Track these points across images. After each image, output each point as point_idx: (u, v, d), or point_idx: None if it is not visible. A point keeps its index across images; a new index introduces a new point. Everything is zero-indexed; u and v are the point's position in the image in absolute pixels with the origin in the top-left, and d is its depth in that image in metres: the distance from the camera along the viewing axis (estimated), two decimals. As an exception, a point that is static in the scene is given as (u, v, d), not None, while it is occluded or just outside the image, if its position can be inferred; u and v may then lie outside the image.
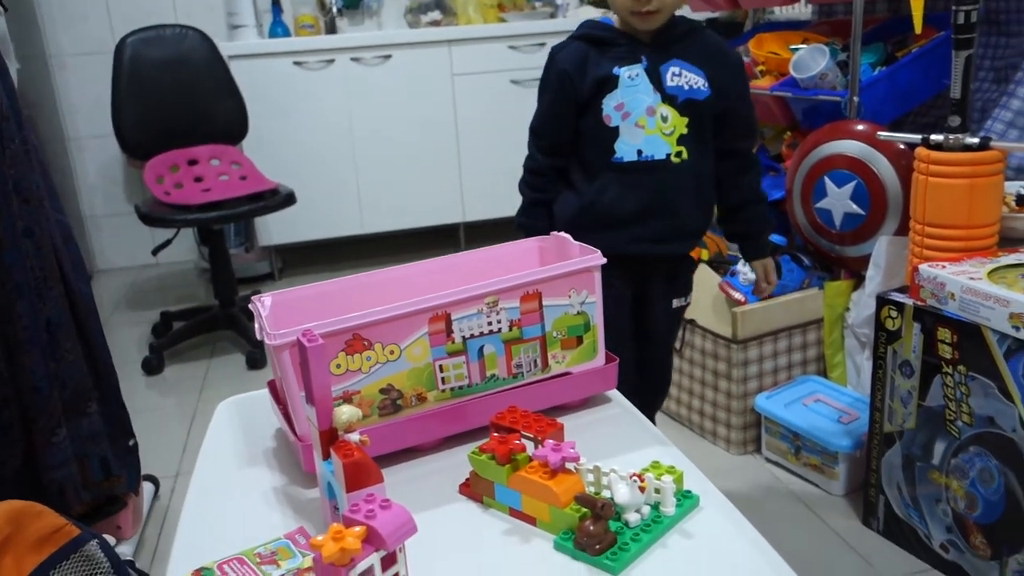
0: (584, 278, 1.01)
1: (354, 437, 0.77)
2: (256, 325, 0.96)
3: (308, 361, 0.76)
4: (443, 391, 0.96)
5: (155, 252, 3.07)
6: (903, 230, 1.79)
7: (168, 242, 3.03)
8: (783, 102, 2.24)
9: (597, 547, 0.75)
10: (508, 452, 0.83)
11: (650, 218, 1.44)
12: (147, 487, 1.95)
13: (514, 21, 3.66)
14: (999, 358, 1.38)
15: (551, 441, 0.83)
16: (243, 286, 3.36)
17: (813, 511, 1.81)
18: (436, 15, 3.72)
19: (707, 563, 0.76)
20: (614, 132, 1.40)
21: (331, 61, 3.40)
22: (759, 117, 1.87)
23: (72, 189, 3.75)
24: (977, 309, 1.39)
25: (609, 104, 1.40)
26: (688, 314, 2.03)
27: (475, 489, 0.87)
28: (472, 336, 0.96)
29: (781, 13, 2.79)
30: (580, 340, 1.03)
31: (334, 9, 3.70)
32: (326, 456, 0.79)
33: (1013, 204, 1.68)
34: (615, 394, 1.09)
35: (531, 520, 0.82)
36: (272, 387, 1.04)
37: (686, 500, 0.83)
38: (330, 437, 0.78)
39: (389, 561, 0.70)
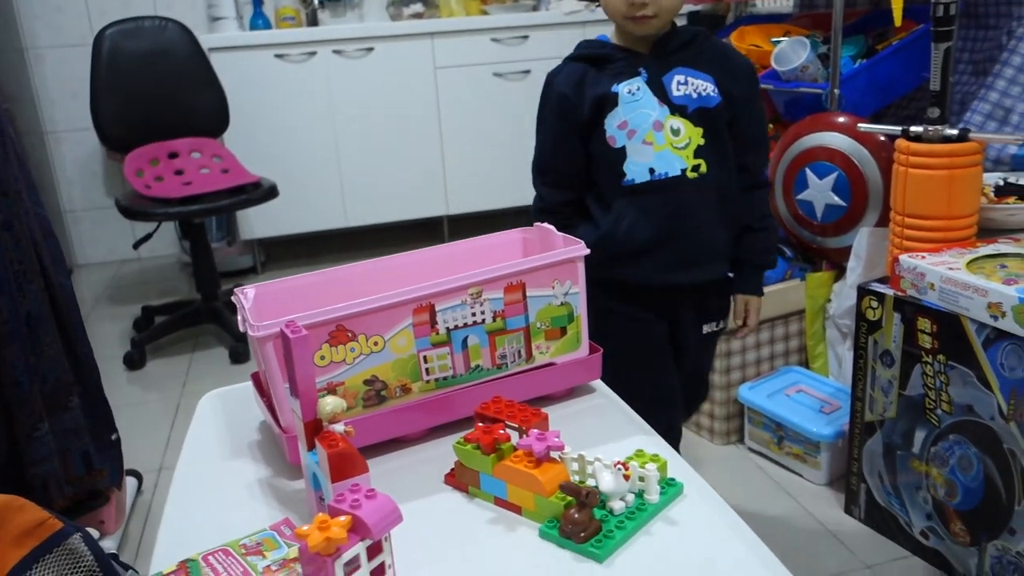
0: (567, 269, 1.01)
1: (339, 428, 0.77)
2: (239, 317, 0.95)
3: (292, 352, 0.76)
4: (427, 382, 0.96)
5: (136, 246, 3.05)
6: (884, 221, 1.81)
7: (149, 236, 3.01)
8: (765, 94, 2.25)
9: (582, 535, 0.76)
10: (493, 442, 0.83)
11: (672, 242, 1.33)
12: (130, 482, 1.94)
13: (497, 14, 3.65)
14: (978, 347, 1.39)
15: (536, 431, 0.83)
16: (225, 280, 3.35)
17: (795, 500, 1.83)
18: (418, 7, 3.71)
19: (691, 550, 0.77)
20: (621, 153, 1.31)
21: (313, 54, 3.39)
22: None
23: (50, 183, 3.71)
24: (956, 299, 1.40)
25: (612, 124, 1.31)
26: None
27: (460, 479, 0.87)
28: (456, 327, 0.96)
29: (763, 6, 2.81)
30: (564, 331, 1.03)
31: (315, 1, 3.68)
32: (311, 447, 0.79)
33: (992, 195, 1.70)
34: (599, 384, 1.09)
35: (516, 509, 0.82)
36: (256, 379, 1.04)
37: (670, 488, 0.83)
38: (315, 428, 0.78)
39: (375, 550, 0.71)
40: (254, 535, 0.80)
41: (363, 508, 0.68)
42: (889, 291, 1.56)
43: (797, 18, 2.44)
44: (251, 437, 1.02)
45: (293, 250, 3.88)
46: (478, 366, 0.98)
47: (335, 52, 3.40)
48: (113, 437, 1.69)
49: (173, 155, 2.96)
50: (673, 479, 0.85)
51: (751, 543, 0.78)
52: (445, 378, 0.97)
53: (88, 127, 2.99)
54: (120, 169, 3.02)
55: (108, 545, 1.70)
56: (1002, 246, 1.50)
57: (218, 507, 0.89)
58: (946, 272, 1.41)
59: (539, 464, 0.80)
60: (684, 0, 1.35)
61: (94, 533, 1.37)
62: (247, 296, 0.99)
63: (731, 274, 1.47)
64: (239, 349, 2.73)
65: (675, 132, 1.30)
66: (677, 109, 1.30)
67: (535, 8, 3.76)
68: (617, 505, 0.79)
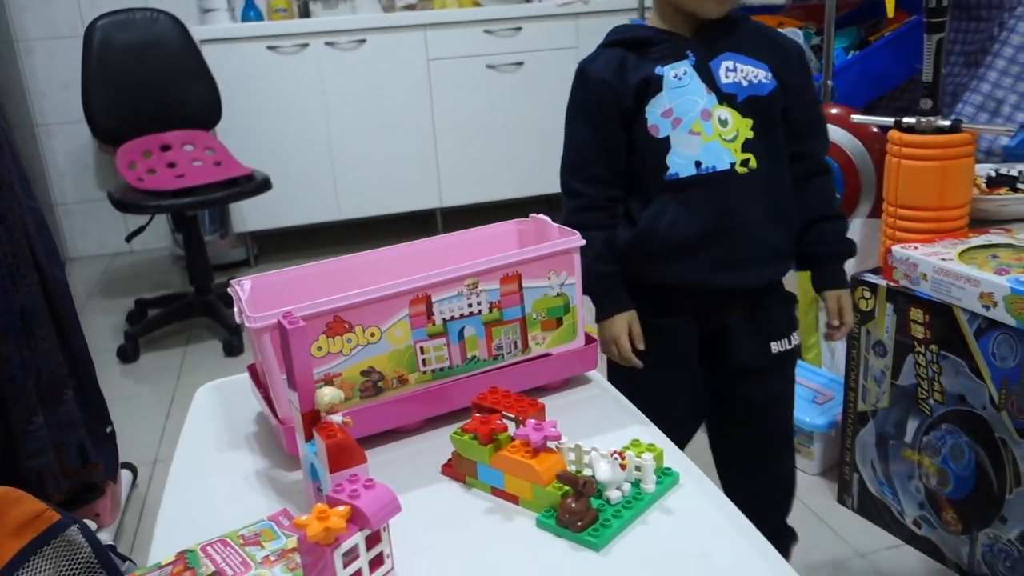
0: (563, 260, 1.01)
1: (336, 418, 0.77)
2: (235, 309, 0.95)
3: (289, 344, 0.76)
4: (424, 373, 0.96)
5: (129, 239, 3.04)
6: (877, 212, 1.81)
7: (142, 229, 3.00)
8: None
9: (579, 524, 0.76)
10: (490, 432, 0.83)
11: (716, 241, 1.20)
12: (125, 475, 1.94)
13: (489, 5, 3.64)
14: (969, 337, 1.40)
15: (533, 421, 0.84)
16: (218, 273, 3.34)
17: (789, 490, 1.84)
18: (411, -1, 3.70)
19: (687, 538, 0.77)
20: (664, 144, 1.18)
21: (305, 45, 3.37)
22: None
23: (41, 176, 3.69)
24: (948, 289, 1.41)
25: (654, 111, 1.18)
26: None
27: (457, 469, 0.87)
28: (453, 318, 0.96)
29: (756, -3, 2.81)
30: (560, 321, 1.03)
31: (307, -7, 3.67)
32: (309, 438, 0.79)
33: (983, 186, 1.71)
34: (595, 375, 1.09)
35: (513, 499, 0.83)
36: (252, 371, 1.04)
37: (666, 477, 0.84)
38: (313, 419, 0.78)
39: (373, 540, 0.71)
40: (252, 526, 0.80)
41: (362, 498, 0.69)
42: (882, 282, 1.56)
43: (790, 9, 2.45)
44: (248, 429, 1.02)
45: (286, 243, 3.88)
46: (474, 357, 0.99)
47: (327, 44, 3.39)
48: (108, 430, 1.69)
49: (165, 148, 2.95)
50: (669, 468, 0.85)
51: (746, 531, 0.78)
52: (442, 369, 0.97)
53: (79, 119, 2.97)
54: (112, 162, 3.01)
55: (103, 537, 1.70)
56: (993, 236, 1.51)
57: (216, 498, 0.89)
58: (938, 262, 1.42)
59: (536, 454, 0.81)
60: None
61: (91, 525, 1.37)
62: (243, 288, 0.99)
63: (800, 271, 1.34)
64: (233, 342, 2.73)
65: (723, 123, 1.17)
66: (725, 98, 1.18)
67: (528, 0, 3.76)
68: (613, 494, 0.80)
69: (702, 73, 1.18)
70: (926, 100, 1.54)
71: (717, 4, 1.16)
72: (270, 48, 3.34)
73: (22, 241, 1.46)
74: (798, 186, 1.25)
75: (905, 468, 1.59)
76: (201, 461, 0.97)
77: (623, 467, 0.81)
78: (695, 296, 1.23)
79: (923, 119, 1.53)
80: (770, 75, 1.19)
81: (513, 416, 0.87)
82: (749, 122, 1.18)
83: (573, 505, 0.76)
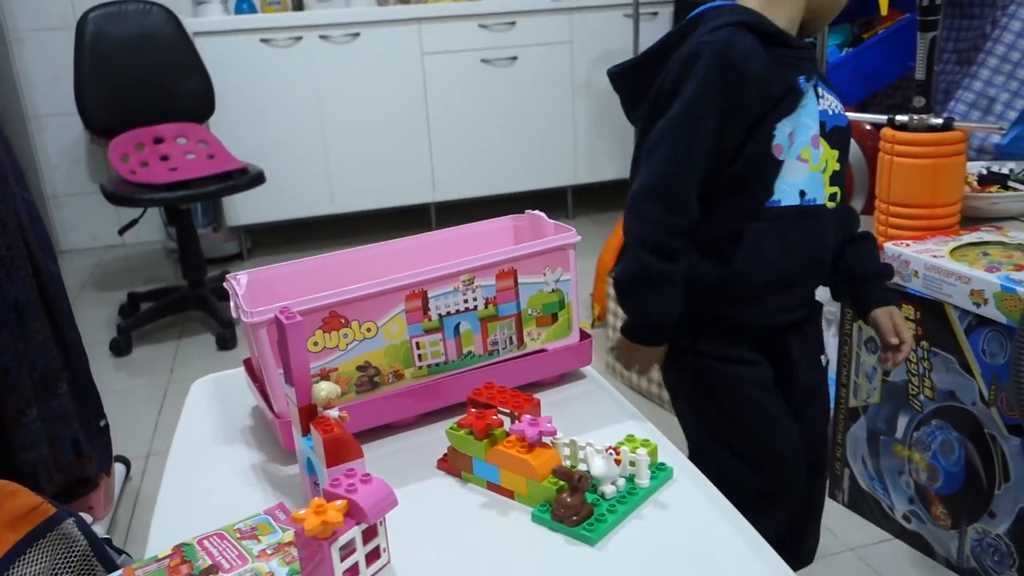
0: (559, 256, 1.02)
1: (333, 413, 0.78)
2: (232, 303, 0.96)
3: (286, 338, 0.76)
4: (420, 368, 0.97)
5: (121, 232, 3.02)
6: (869, 209, 1.82)
7: (135, 222, 2.99)
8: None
9: (574, 518, 0.77)
10: (486, 427, 0.84)
11: (805, 279, 1.12)
12: (118, 468, 1.94)
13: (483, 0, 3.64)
14: (960, 334, 1.41)
15: (528, 416, 0.84)
16: (211, 266, 3.33)
17: (780, 485, 1.85)
18: (405, -7, 3.69)
19: (681, 533, 0.78)
20: (776, 168, 1.02)
21: (299, 39, 3.36)
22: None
23: (33, 168, 3.67)
24: (940, 286, 1.42)
25: (784, 129, 1.01)
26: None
27: (453, 464, 0.88)
28: (448, 313, 0.97)
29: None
30: (555, 317, 1.04)
31: (301, -15, 3.65)
32: (306, 432, 0.80)
33: (975, 184, 1.72)
34: (589, 370, 1.10)
35: (509, 493, 0.83)
36: (248, 365, 1.04)
37: (660, 472, 0.84)
38: (310, 413, 0.79)
39: (370, 534, 0.71)
40: (249, 519, 0.80)
41: (359, 492, 0.69)
42: (874, 278, 1.57)
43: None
44: (243, 423, 1.03)
45: (279, 236, 3.87)
46: (470, 352, 0.99)
47: (321, 37, 3.38)
48: (101, 423, 1.69)
49: (159, 140, 2.94)
50: (663, 464, 0.86)
51: (739, 526, 0.79)
52: (437, 364, 0.98)
53: (71, 112, 2.96)
54: (104, 154, 2.99)
55: (97, 531, 1.70)
56: (985, 234, 1.52)
57: (212, 492, 0.89)
58: (930, 260, 1.43)
59: (531, 449, 0.81)
60: None
61: (86, 518, 1.37)
62: (240, 283, 1.00)
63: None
64: (226, 336, 2.73)
65: (818, 151, 1.06)
66: (821, 125, 1.06)
67: (522, -6, 3.75)
68: (608, 489, 0.80)
69: (816, 94, 1.05)
70: (919, 98, 1.55)
71: (837, 9, 1.06)
72: (264, 41, 3.33)
73: (16, 233, 1.46)
74: None
75: (895, 463, 1.60)
76: (197, 455, 0.97)
77: (618, 462, 0.82)
78: (769, 332, 1.13)
79: (916, 117, 1.54)
80: (842, 107, 1.10)
81: (509, 411, 0.87)
82: (836, 153, 1.08)
83: (568, 500, 0.77)
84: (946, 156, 1.51)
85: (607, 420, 0.97)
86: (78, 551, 0.87)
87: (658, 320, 1.08)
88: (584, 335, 1.08)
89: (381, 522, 0.72)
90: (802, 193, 1.05)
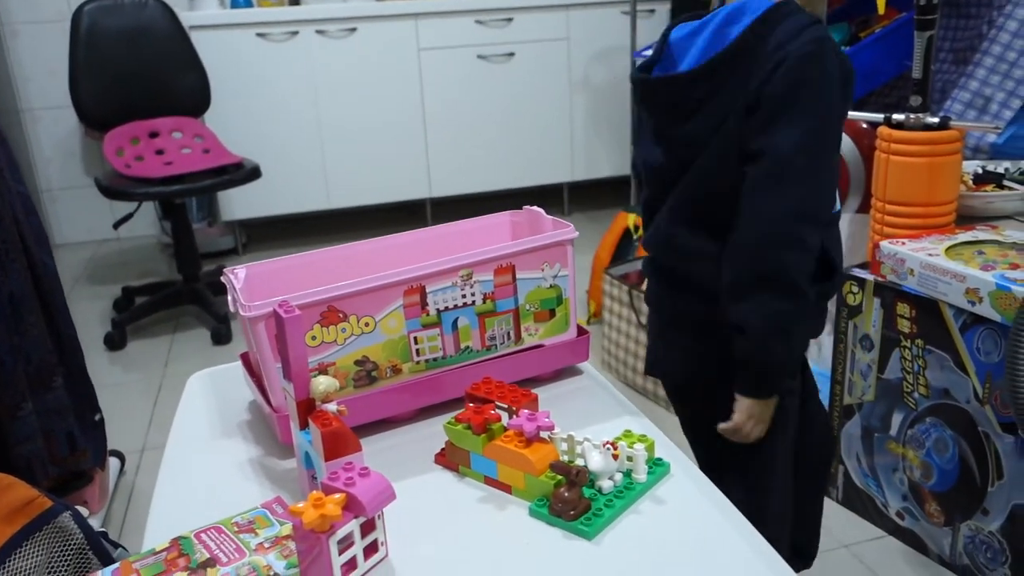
0: (557, 252, 1.02)
1: (332, 407, 0.78)
2: (229, 297, 0.96)
3: (285, 332, 0.76)
4: (418, 363, 0.97)
5: (116, 226, 3.02)
6: (865, 208, 1.83)
7: (129, 216, 2.98)
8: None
9: (572, 513, 0.77)
10: (484, 422, 0.84)
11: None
12: (113, 462, 1.93)
13: (481, -5, 3.63)
14: (955, 332, 1.42)
15: (526, 411, 0.84)
16: (206, 261, 3.32)
17: (774, 481, 1.85)
18: (402, -12, 3.68)
19: (678, 527, 0.78)
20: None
21: (295, 33, 3.35)
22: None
23: (27, 162, 3.66)
24: (935, 285, 1.43)
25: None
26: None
27: (451, 458, 0.88)
28: (446, 308, 0.97)
29: (747, -8, 2.81)
30: (553, 313, 1.04)
31: (298, -20, 3.64)
32: (304, 426, 0.80)
33: (970, 183, 1.72)
34: (586, 366, 1.10)
35: (506, 488, 0.83)
36: (245, 359, 1.04)
37: (657, 467, 0.85)
38: (308, 407, 0.79)
39: (368, 528, 0.72)
40: (246, 513, 0.80)
41: (357, 486, 0.69)
42: (869, 276, 1.58)
43: (781, 4, 2.45)
44: (240, 417, 1.02)
45: (275, 231, 3.86)
46: (468, 347, 0.99)
47: (318, 32, 3.37)
48: (96, 418, 1.68)
49: (154, 134, 2.93)
50: (660, 459, 0.86)
51: (735, 521, 0.80)
52: (435, 359, 0.98)
53: (66, 105, 2.95)
54: (99, 148, 2.98)
55: (93, 524, 1.69)
56: (980, 233, 1.53)
57: (209, 485, 0.89)
58: (925, 258, 1.44)
59: (529, 444, 0.81)
60: None
61: (83, 510, 1.37)
62: (237, 277, 0.99)
63: None
64: (221, 330, 2.72)
65: None
66: None
67: (519, -10, 3.74)
68: (606, 484, 0.81)
69: None
70: (915, 97, 1.55)
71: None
72: (260, 35, 3.32)
73: (11, 227, 1.45)
74: None
75: (890, 461, 1.61)
76: (194, 448, 0.97)
77: (615, 457, 0.82)
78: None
79: (912, 116, 1.55)
80: None
81: (506, 406, 0.88)
82: None
83: (566, 494, 0.77)
84: (942, 155, 1.51)
85: (604, 415, 0.98)
86: (75, 544, 0.87)
87: (801, 355, 1.01)
88: (581, 331, 1.08)
89: (379, 516, 0.73)
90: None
